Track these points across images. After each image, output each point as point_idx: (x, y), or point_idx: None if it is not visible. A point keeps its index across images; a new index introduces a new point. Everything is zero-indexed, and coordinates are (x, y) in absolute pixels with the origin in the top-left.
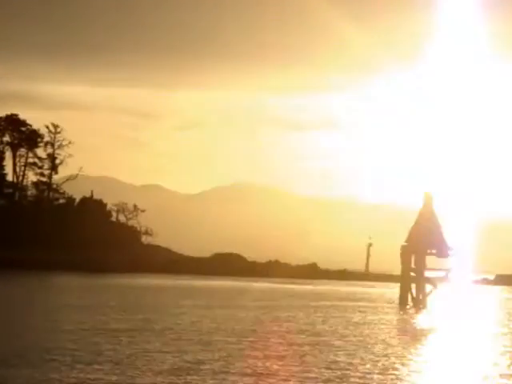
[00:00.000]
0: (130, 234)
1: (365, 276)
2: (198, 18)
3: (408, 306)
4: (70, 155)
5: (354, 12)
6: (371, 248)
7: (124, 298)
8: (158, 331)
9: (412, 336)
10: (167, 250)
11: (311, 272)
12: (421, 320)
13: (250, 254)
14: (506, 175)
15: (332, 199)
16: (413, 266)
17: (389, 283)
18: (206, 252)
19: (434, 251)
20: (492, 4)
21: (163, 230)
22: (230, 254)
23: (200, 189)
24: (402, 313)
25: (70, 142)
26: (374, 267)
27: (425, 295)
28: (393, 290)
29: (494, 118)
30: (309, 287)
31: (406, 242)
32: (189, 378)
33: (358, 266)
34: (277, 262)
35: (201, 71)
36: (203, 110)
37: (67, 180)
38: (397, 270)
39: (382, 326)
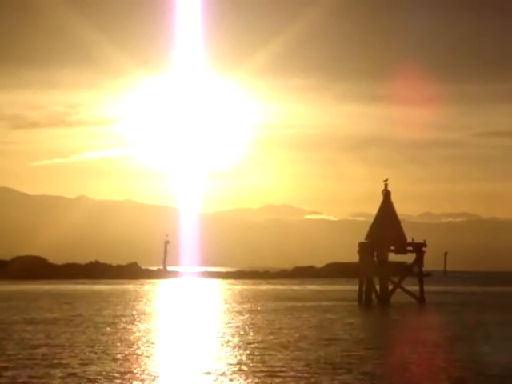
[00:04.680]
0: None
1: (164, 273)
2: None
3: (369, 304)
4: None
5: (97, 18)
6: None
7: None
8: None
9: None
10: None
11: (132, 272)
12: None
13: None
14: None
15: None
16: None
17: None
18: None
19: (392, 248)
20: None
21: None
22: (32, 257)
23: None
24: (366, 310)
25: None
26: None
27: (388, 292)
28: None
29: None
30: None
31: (365, 238)
32: None
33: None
34: (97, 262)
35: None
36: None
37: None
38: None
39: None
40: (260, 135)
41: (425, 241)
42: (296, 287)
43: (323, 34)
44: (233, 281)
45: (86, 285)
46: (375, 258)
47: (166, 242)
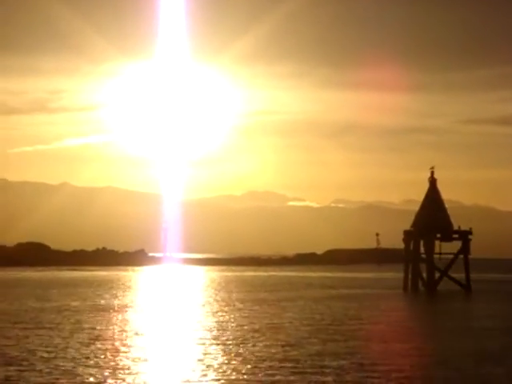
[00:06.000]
0: None
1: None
2: None
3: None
4: None
5: (79, 4)
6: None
7: None
8: None
9: None
10: None
11: (139, 258)
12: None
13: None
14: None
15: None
16: (422, 250)
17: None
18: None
19: (438, 235)
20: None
21: None
22: (34, 244)
23: None
24: (413, 298)
25: None
26: None
27: (435, 280)
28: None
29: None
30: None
31: (411, 226)
32: None
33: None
34: (104, 249)
35: None
36: None
37: None
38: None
39: None
40: (242, 122)
41: (471, 228)
42: (315, 274)
43: (305, 20)
44: (233, 267)
45: (107, 271)
46: (422, 246)
47: (165, 229)
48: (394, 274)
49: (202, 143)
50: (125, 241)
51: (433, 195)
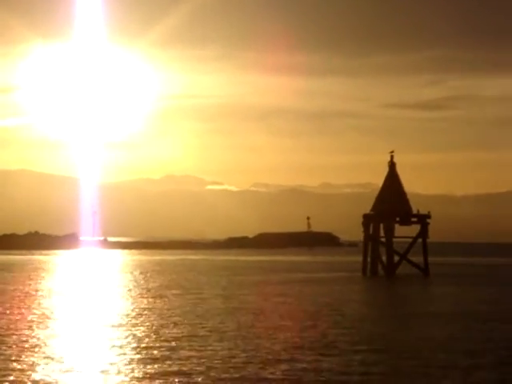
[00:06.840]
0: None
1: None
2: None
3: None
4: None
5: None
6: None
7: None
8: None
9: None
10: None
11: (72, 242)
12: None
13: None
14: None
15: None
16: (382, 234)
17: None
18: None
19: (397, 219)
20: None
21: None
22: None
23: None
24: (373, 281)
25: None
26: None
27: (395, 264)
28: None
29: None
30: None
31: (371, 210)
32: None
33: None
34: (37, 233)
35: None
36: None
37: None
38: None
39: None
40: (162, 106)
41: (429, 212)
42: (253, 258)
43: (229, 3)
44: (164, 251)
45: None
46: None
47: (94, 213)
48: (331, 258)
49: (120, 126)
50: (50, 224)
51: (392, 179)
